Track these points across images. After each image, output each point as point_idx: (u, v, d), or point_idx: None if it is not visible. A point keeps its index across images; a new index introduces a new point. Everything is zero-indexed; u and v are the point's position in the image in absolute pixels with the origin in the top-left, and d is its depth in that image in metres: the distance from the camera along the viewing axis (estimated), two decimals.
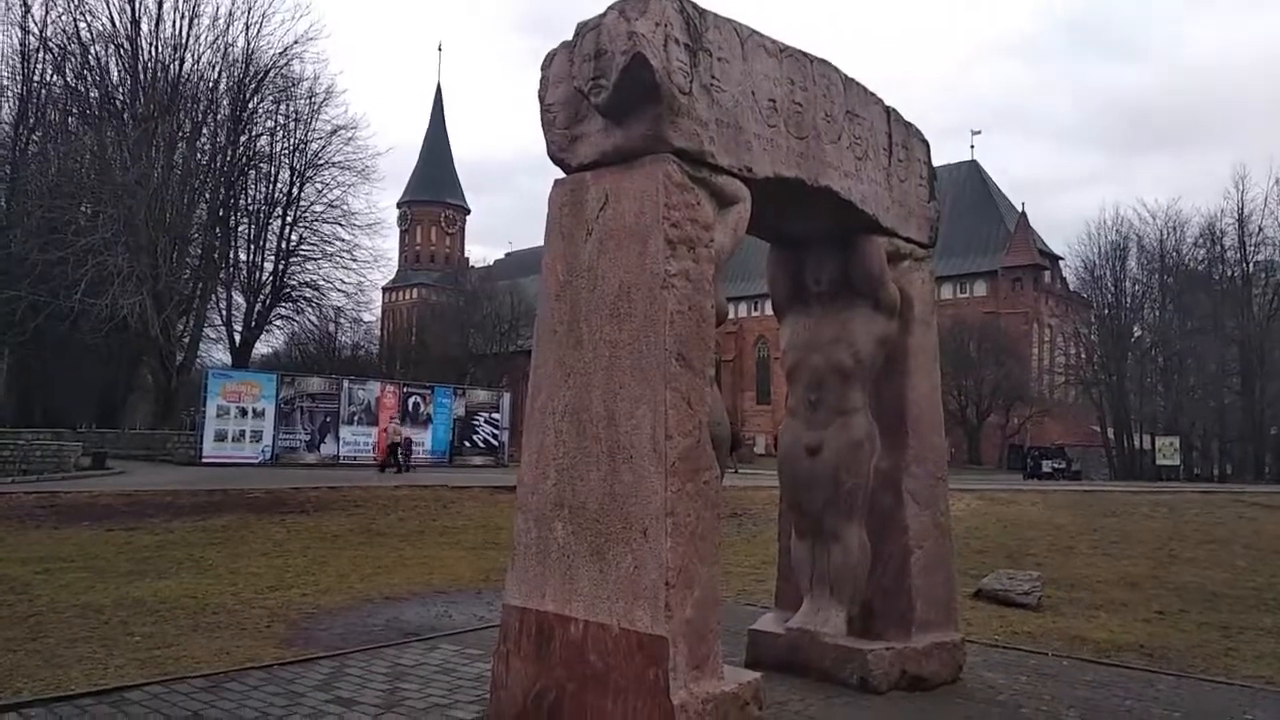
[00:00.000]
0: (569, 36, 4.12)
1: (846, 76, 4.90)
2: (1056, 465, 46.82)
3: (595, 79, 3.85)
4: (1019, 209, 73.21)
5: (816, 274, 5.24)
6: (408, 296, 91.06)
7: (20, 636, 6.47)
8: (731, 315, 65.50)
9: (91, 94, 36.46)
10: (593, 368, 3.89)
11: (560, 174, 4.29)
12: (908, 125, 5.45)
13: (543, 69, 4.28)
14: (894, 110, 5.31)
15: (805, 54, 4.63)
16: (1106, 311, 54.33)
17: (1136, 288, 54.00)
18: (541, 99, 4.27)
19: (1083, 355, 59.12)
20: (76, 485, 18.93)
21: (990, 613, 8.17)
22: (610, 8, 3.85)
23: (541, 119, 4.27)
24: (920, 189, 5.51)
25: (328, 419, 30.99)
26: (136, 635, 6.56)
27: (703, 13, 4.01)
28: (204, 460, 28.16)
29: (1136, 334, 55.51)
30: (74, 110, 36.93)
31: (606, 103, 3.85)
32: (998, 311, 64.95)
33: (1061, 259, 68.18)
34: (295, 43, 39.18)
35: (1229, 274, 52.45)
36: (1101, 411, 53.23)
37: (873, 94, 5.13)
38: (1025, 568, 10.38)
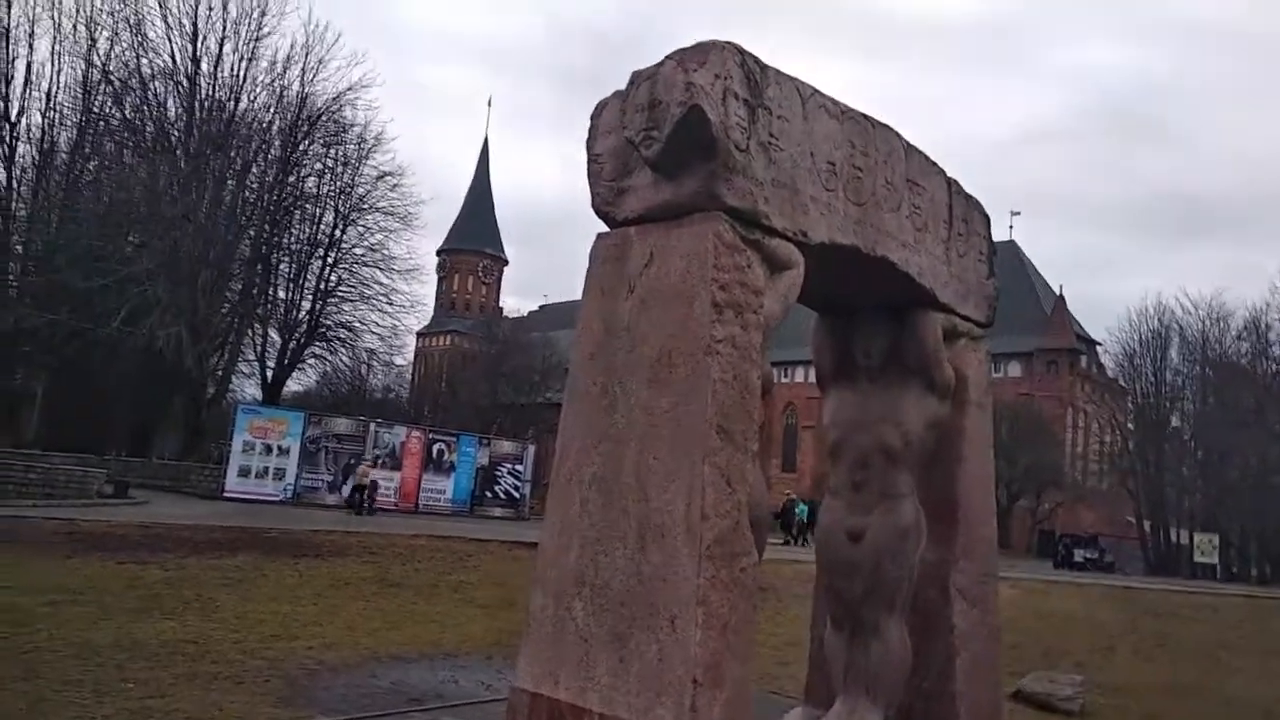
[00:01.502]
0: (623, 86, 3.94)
1: (909, 144, 4.68)
2: (1089, 555, 45.52)
3: (647, 130, 3.65)
4: (1057, 291, 72.60)
5: (866, 347, 4.95)
6: (441, 343, 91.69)
7: (12, 674, 6.21)
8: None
9: (148, 128, 37.34)
10: (626, 435, 3.61)
11: (604, 228, 4.08)
12: (969, 198, 5.20)
13: (592, 118, 4.10)
14: (956, 181, 5.07)
15: (867, 117, 4.41)
16: (1145, 400, 53.28)
17: (1177, 378, 52.97)
18: (589, 149, 4.07)
19: (1118, 443, 57.88)
20: (97, 514, 18.81)
21: (1030, 717, 7.66)
22: (668, 57, 3.66)
23: (588, 169, 4.07)
24: (980, 265, 5.23)
25: (352, 461, 30.82)
26: (130, 682, 6.27)
27: (764, 68, 3.81)
28: (226, 495, 28.05)
29: (1174, 425, 54.32)
30: (130, 143, 37.81)
31: (658, 155, 3.64)
32: (1032, 394, 63.96)
33: (1099, 344, 67.28)
34: (349, 89, 39.82)
35: (1273, 369, 51.33)
36: (1137, 502, 51.87)
37: (935, 163, 4.90)
38: (1063, 666, 9.82)
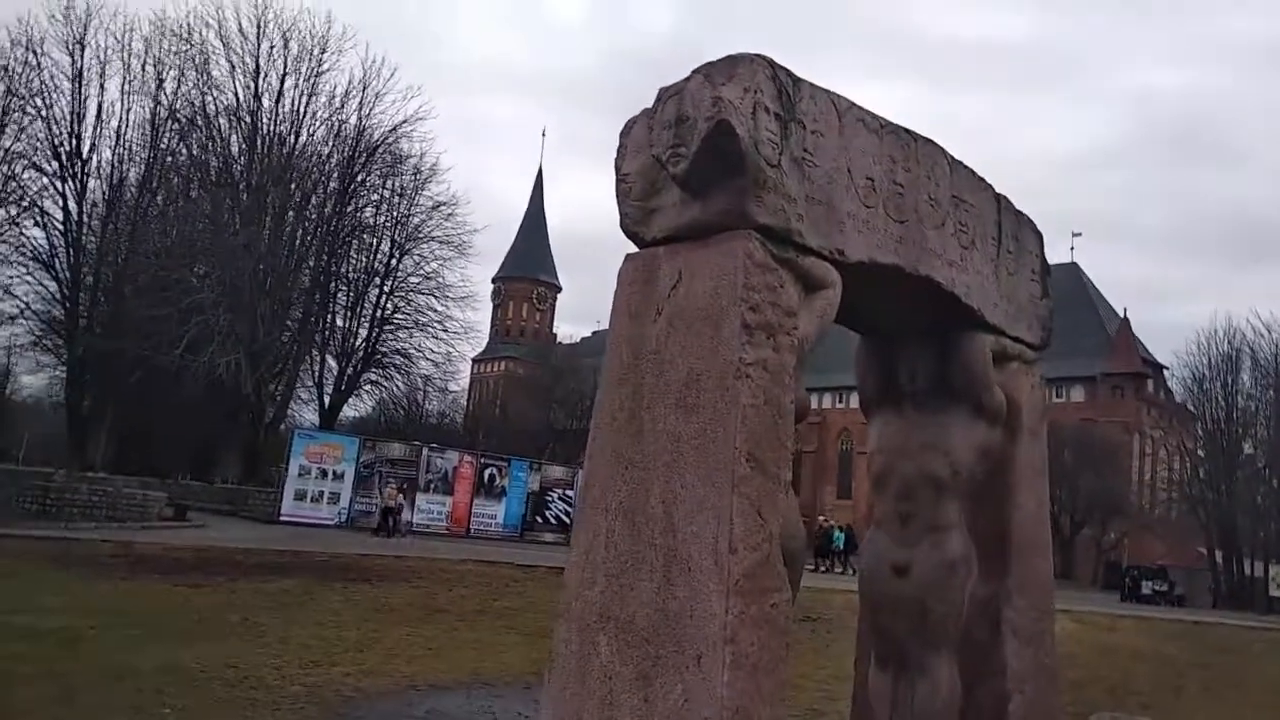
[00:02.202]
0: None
1: (954, 159, 4.49)
2: (1157, 587, 43.84)
3: (674, 147, 3.53)
4: (1120, 314, 70.70)
5: (911, 371, 4.74)
6: (495, 369, 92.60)
7: (50, 696, 6.24)
8: (815, 406, 63.80)
9: (212, 163, 38.50)
10: (653, 463, 3.47)
11: (634, 248, 3.95)
12: (1019, 214, 4.98)
13: (621, 136, 3.99)
14: (1005, 198, 4.86)
15: (909, 132, 4.24)
16: (1215, 426, 51.36)
17: (1250, 403, 50.99)
18: (618, 168, 3.96)
19: (1187, 471, 55.84)
20: (154, 536, 19.17)
21: None
22: (695, 71, 3.54)
23: (616, 189, 3.96)
24: (1032, 284, 5.00)
25: (405, 485, 31.06)
26: (168, 708, 6.26)
27: (797, 81, 3.67)
28: (281, 518, 28.43)
29: (1247, 451, 52.23)
30: (195, 177, 39.00)
31: (685, 173, 3.51)
32: (1095, 419, 62.15)
33: (1166, 368, 65.23)
34: (404, 122, 40.64)
35: None
36: (1208, 532, 49.88)
37: (982, 179, 4.69)
38: (1129, 706, 9.35)
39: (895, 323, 4.70)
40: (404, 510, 29.50)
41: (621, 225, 3.94)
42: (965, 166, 4.58)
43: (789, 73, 3.64)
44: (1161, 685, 11.94)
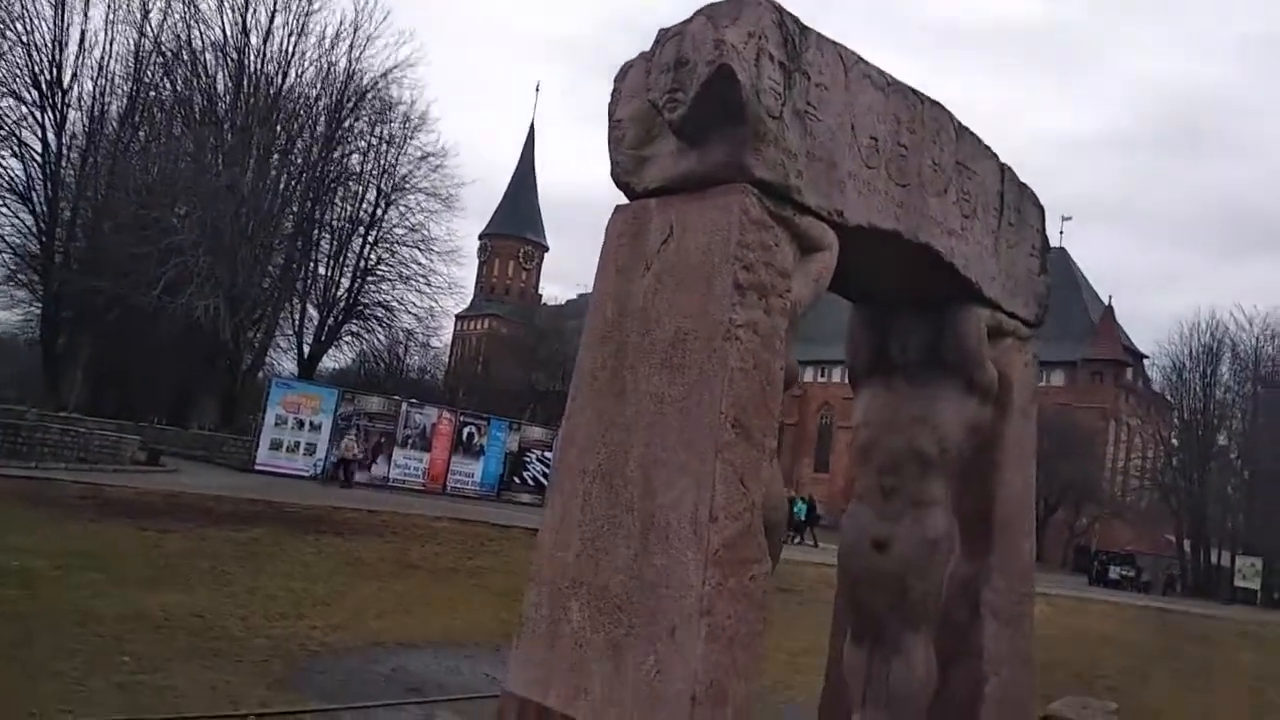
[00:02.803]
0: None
1: (960, 124, 4.31)
2: (1124, 573, 44.43)
3: (672, 92, 3.33)
4: (1106, 301, 71.00)
5: (903, 342, 4.59)
6: (479, 326, 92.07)
7: (7, 639, 6.08)
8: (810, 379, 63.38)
9: (196, 100, 37.68)
10: (634, 424, 3.31)
11: (624, 200, 3.77)
12: (1022, 186, 4.81)
13: (615, 81, 3.78)
14: (1009, 168, 4.69)
15: (916, 92, 4.05)
16: (1192, 416, 51.81)
17: (1227, 395, 51.44)
18: (611, 114, 3.76)
19: (1161, 459, 56.43)
20: (126, 480, 18.93)
21: None
22: (698, 12, 3.33)
23: (609, 136, 3.76)
24: (1031, 259, 4.85)
25: (383, 440, 30.87)
26: (127, 655, 6.11)
27: (804, 29, 3.47)
28: (256, 467, 28.21)
29: (1221, 443, 52.79)
30: (179, 114, 38.19)
31: (683, 119, 3.32)
32: (1073, 404, 62.56)
33: (1146, 357, 65.67)
34: (395, 67, 39.86)
35: None
36: (1178, 521, 50.51)
37: (987, 147, 4.52)
38: (1097, 690, 9.38)
39: (890, 292, 4.54)
40: (360, 462, 29.14)
41: (612, 174, 3.75)
42: (971, 132, 4.40)
43: (796, 19, 3.45)
44: (1129, 671, 12.02)
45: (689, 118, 3.30)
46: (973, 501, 4.48)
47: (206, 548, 11.93)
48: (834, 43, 3.65)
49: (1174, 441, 55.11)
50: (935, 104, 4.17)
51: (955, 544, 4.39)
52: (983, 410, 4.48)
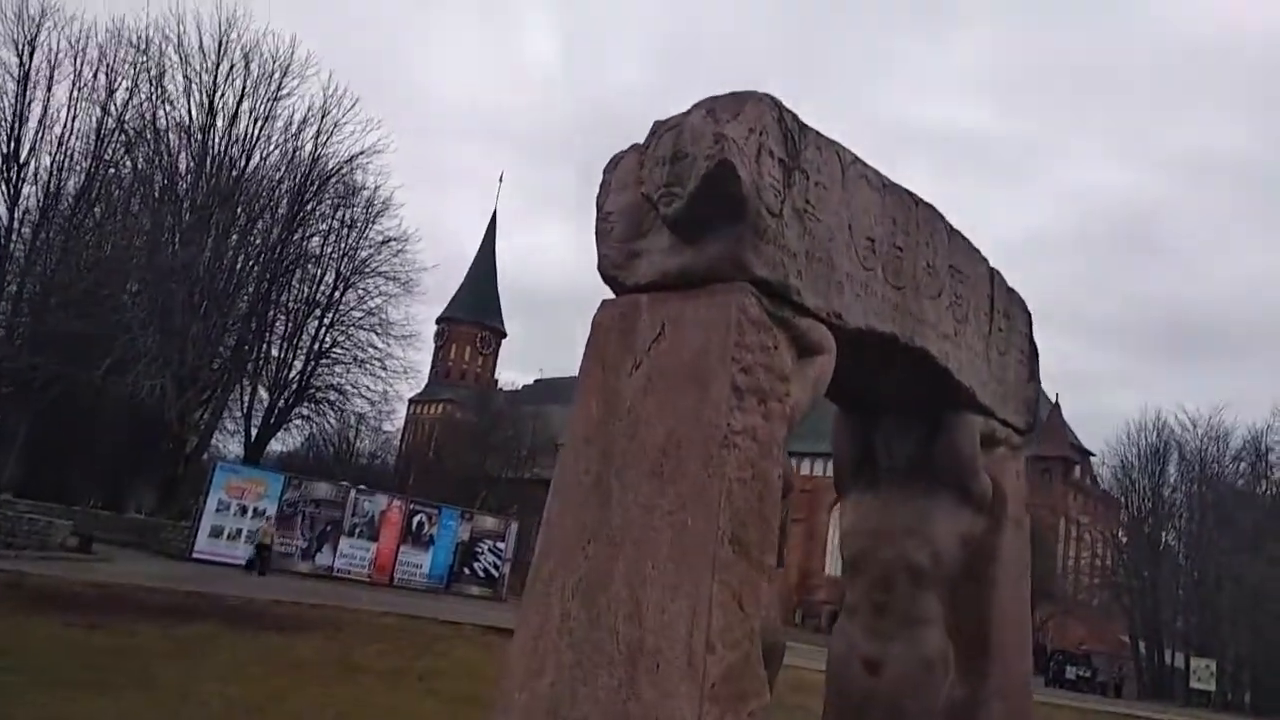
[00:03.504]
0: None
1: (952, 226, 4.23)
2: (1081, 673, 44.08)
3: (668, 186, 3.18)
4: (1053, 399, 72.30)
5: (892, 448, 4.41)
6: (433, 411, 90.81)
7: None
8: (805, 472, 61.02)
9: (157, 179, 37.33)
10: (621, 537, 3.05)
11: (610, 295, 3.58)
12: (1011, 291, 4.73)
13: (605, 172, 3.64)
14: (998, 272, 4.61)
15: (910, 193, 3.97)
16: (1139, 515, 52.42)
17: (1174, 495, 52.24)
18: (600, 206, 3.60)
19: (1111, 558, 56.79)
20: (53, 568, 17.92)
21: None
22: (696, 106, 3.21)
23: (597, 229, 3.60)
24: (1020, 366, 4.74)
25: (329, 528, 29.84)
26: None
27: (804, 128, 3.37)
28: (195, 555, 27.01)
29: (1169, 542, 53.36)
30: (138, 192, 37.77)
31: (679, 214, 3.16)
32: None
33: (1093, 455, 66.65)
34: (361, 153, 39.95)
35: (1272, 492, 50.65)
36: (1131, 620, 50.57)
37: (977, 250, 4.44)
38: None
39: (879, 396, 4.38)
40: (272, 549, 27.86)
41: (599, 268, 3.57)
42: (962, 235, 4.33)
43: (795, 117, 3.34)
44: None
45: (686, 212, 3.14)
46: (968, 620, 4.24)
47: (137, 645, 11.17)
48: (832, 141, 3.55)
49: (1122, 539, 55.57)
50: (928, 206, 4.09)
51: (951, 666, 4.14)
52: (977, 521, 4.28)
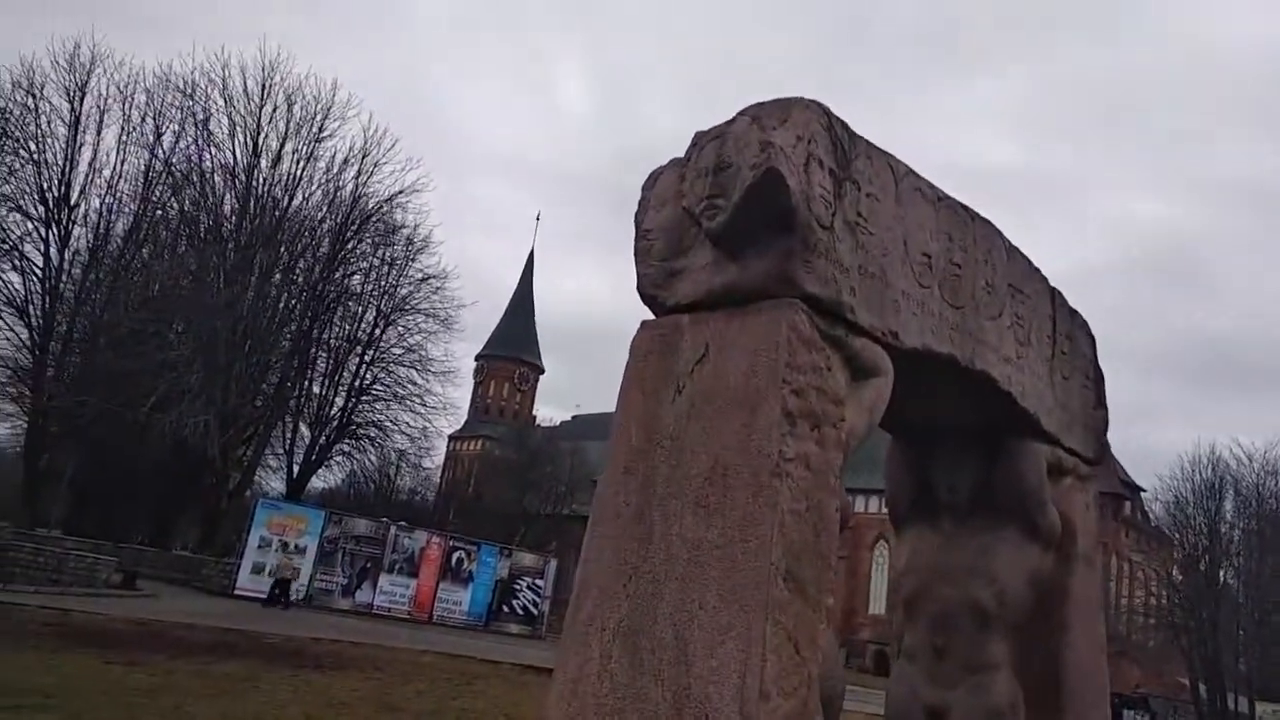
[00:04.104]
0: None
1: (1010, 243, 3.99)
2: (1139, 718, 42.45)
3: (711, 198, 3.00)
4: None
5: (951, 480, 4.15)
6: (472, 447, 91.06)
7: None
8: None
9: (202, 220, 38.09)
10: (664, 574, 2.83)
11: (649, 315, 3.39)
12: (1073, 312, 4.47)
13: (644, 189, 3.47)
14: (1059, 292, 4.36)
15: (966, 208, 3.75)
16: (1194, 553, 50.65)
17: (1233, 531, 50.46)
18: (638, 223, 3.43)
19: (1165, 597, 54.89)
20: (96, 605, 17.97)
21: None
22: (741, 113, 3.04)
23: (635, 247, 3.42)
24: (1085, 391, 4.46)
25: (368, 564, 29.79)
26: None
27: (854, 136, 3.17)
28: (236, 592, 27.06)
29: (1228, 581, 51.46)
30: (184, 232, 38.54)
31: (723, 228, 2.97)
32: None
33: (1144, 490, 64.83)
34: (401, 192, 40.46)
35: None
36: (1189, 662, 48.68)
37: (1036, 268, 4.20)
38: None
39: (937, 424, 4.12)
40: (292, 583, 27.70)
41: (639, 288, 3.38)
42: (1021, 253, 4.09)
43: (845, 125, 3.15)
44: None
45: (730, 226, 2.95)
46: (1038, 666, 3.94)
47: (174, 683, 11.05)
48: (883, 151, 3.35)
49: (1177, 577, 53.74)
50: (985, 221, 3.86)
51: (1020, 715, 3.83)
52: (1045, 558, 3.99)
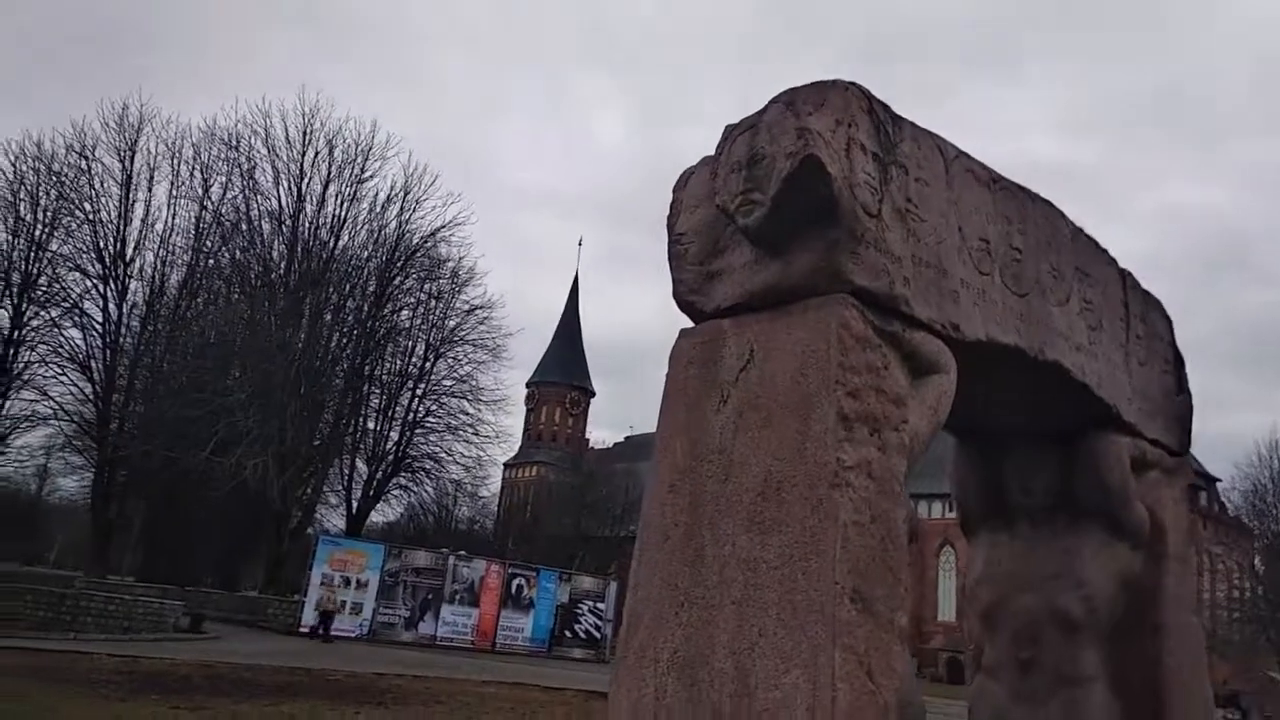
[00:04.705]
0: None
1: (1074, 224, 3.72)
2: (1230, 716, 40.76)
3: (746, 192, 2.80)
4: None
5: (1025, 481, 3.87)
6: (527, 474, 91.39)
7: None
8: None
9: (253, 266, 38.82)
10: (718, 599, 2.61)
11: (688, 323, 3.19)
12: (1146, 294, 4.18)
13: (675, 191, 3.28)
14: (1129, 273, 4.07)
15: (1024, 189, 3.49)
16: (1276, 542, 48.67)
17: None
18: (671, 227, 3.24)
19: (1249, 589, 52.80)
20: (164, 649, 18.17)
21: None
22: (773, 101, 2.83)
23: (669, 252, 3.23)
24: (1165, 376, 4.15)
25: (429, 596, 29.86)
26: None
27: (896, 118, 2.96)
28: (301, 630, 27.27)
29: None
30: (236, 280, 39.31)
31: (761, 223, 2.77)
32: None
33: (1219, 480, 62.63)
34: (443, 226, 40.81)
35: None
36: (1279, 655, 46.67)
37: (1104, 249, 3.92)
38: None
39: (1006, 421, 3.85)
40: (334, 615, 27.73)
41: (675, 294, 3.19)
42: (1086, 234, 3.82)
43: (886, 107, 2.93)
44: None
45: (769, 220, 2.75)
46: (1133, 674, 3.63)
47: None
48: (930, 133, 3.13)
49: (1259, 568, 51.69)
50: (1046, 202, 3.60)
51: None
52: (1135, 558, 3.69)
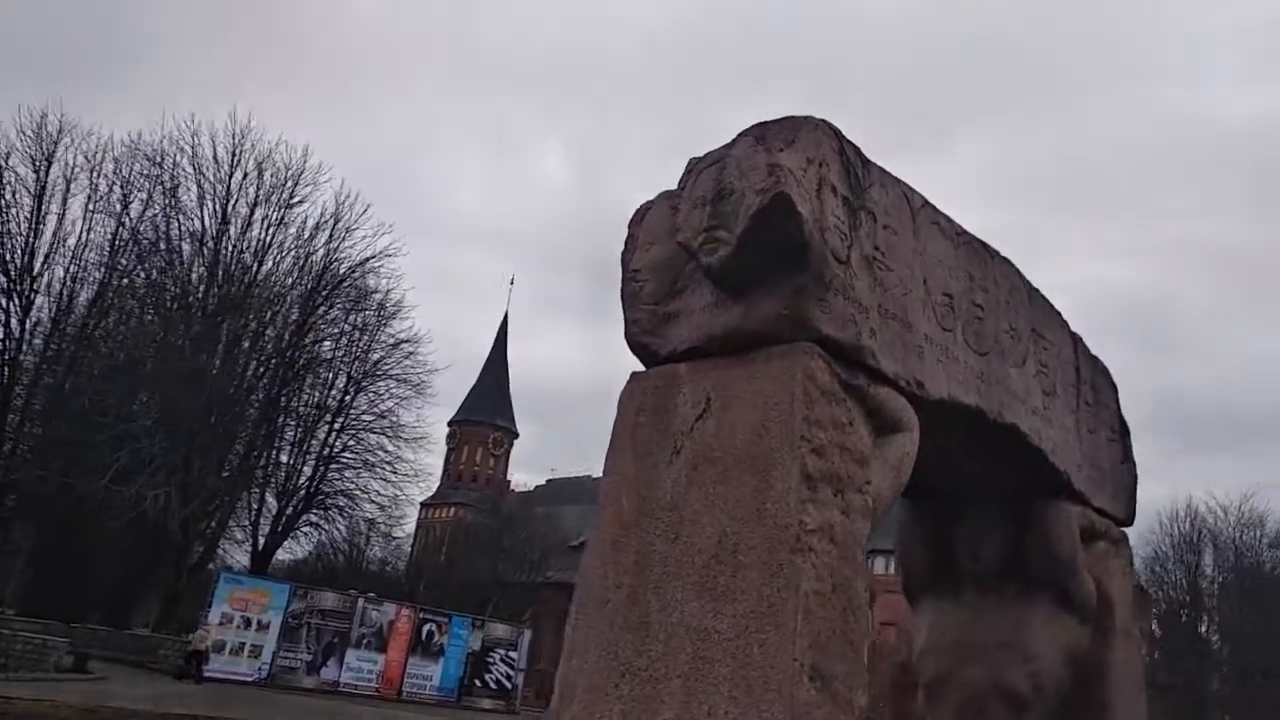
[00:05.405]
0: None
1: (1031, 284, 3.65)
2: None
3: (711, 229, 2.63)
4: None
5: (974, 546, 3.74)
6: (444, 514, 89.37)
7: None
8: (879, 571, 57.42)
9: (169, 288, 37.44)
10: (663, 671, 2.37)
11: (639, 367, 2.98)
12: (1095, 359, 4.13)
13: (630, 226, 3.10)
14: (1080, 338, 4.02)
15: (984, 244, 3.41)
16: (1176, 608, 50.28)
17: (1213, 586, 50.21)
18: (625, 264, 3.05)
19: (1146, 655, 54.35)
20: (42, 690, 16.93)
21: None
22: (743, 134, 2.68)
23: (623, 290, 3.03)
24: (1112, 445, 4.10)
25: (335, 639, 28.63)
26: None
27: (866, 161, 2.83)
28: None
29: (1211, 637, 51.07)
30: (150, 301, 37.82)
31: (725, 263, 2.60)
32: None
33: None
34: (373, 257, 39.95)
35: None
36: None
37: (1057, 311, 3.86)
38: None
39: (959, 484, 3.72)
40: (208, 654, 26.26)
41: (627, 335, 2.99)
42: (1042, 294, 3.75)
43: (857, 149, 2.81)
44: None
45: (734, 259, 2.58)
46: None
47: None
48: (898, 180, 3.01)
49: (1158, 633, 53.28)
50: (1005, 259, 3.52)
51: None
52: (1082, 633, 3.58)
